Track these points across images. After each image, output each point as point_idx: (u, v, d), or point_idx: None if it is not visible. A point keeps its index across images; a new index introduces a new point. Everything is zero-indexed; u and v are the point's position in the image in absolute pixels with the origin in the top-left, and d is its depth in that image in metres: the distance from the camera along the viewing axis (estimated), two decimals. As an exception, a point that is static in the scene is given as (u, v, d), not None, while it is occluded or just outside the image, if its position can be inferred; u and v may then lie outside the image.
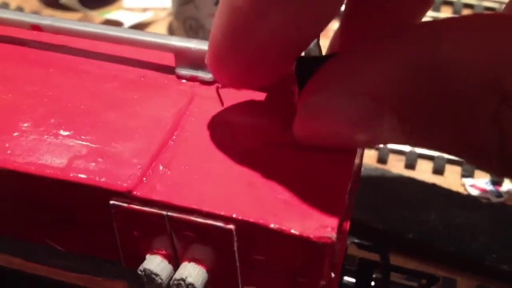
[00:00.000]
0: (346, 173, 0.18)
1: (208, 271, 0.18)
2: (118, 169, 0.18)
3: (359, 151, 0.21)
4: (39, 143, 0.19)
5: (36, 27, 0.23)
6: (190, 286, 0.18)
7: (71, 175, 0.18)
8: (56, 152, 0.19)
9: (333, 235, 0.16)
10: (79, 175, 0.18)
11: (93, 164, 0.18)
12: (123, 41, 0.22)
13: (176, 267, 0.18)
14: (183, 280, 0.18)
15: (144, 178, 0.18)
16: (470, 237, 0.35)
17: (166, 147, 0.19)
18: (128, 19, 0.59)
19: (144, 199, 0.17)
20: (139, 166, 0.18)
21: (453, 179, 0.41)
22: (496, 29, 0.13)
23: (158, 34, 0.22)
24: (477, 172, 0.42)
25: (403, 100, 0.14)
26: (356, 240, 0.27)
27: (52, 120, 0.20)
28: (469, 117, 0.13)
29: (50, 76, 0.22)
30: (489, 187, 0.40)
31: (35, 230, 0.20)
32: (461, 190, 0.40)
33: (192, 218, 0.17)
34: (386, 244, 0.26)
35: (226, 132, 0.20)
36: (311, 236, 0.16)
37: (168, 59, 0.22)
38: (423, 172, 0.42)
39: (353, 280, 0.25)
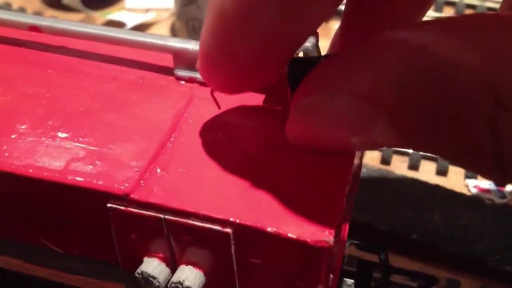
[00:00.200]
0: (344, 176, 0.18)
1: (205, 275, 0.18)
2: (115, 172, 0.18)
3: (357, 152, 0.21)
4: (37, 145, 0.19)
5: (34, 28, 0.23)
6: (187, 290, 0.17)
7: (69, 178, 0.18)
8: (54, 155, 0.19)
9: (331, 239, 0.16)
10: (77, 178, 0.18)
11: (90, 166, 0.18)
12: (122, 42, 0.22)
13: (173, 270, 0.18)
14: (181, 283, 0.18)
15: (141, 181, 0.18)
16: (473, 238, 0.35)
17: (164, 149, 0.19)
18: (131, 19, 0.59)
19: (142, 202, 0.17)
20: (137, 169, 0.18)
21: (456, 180, 0.41)
22: (491, 30, 0.13)
23: (157, 35, 0.22)
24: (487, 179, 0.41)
25: (398, 102, 0.14)
26: (355, 241, 0.27)
27: (50, 121, 0.20)
28: (464, 120, 0.13)
29: (49, 77, 0.22)
30: (493, 188, 0.40)
31: (32, 232, 0.20)
32: (464, 191, 0.40)
33: (190, 221, 0.17)
34: (385, 245, 0.26)
35: (224, 134, 0.19)
36: (308, 240, 0.16)
37: (167, 60, 0.22)
38: (427, 173, 0.41)
39: (352, 281, 0.25)
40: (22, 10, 0.61)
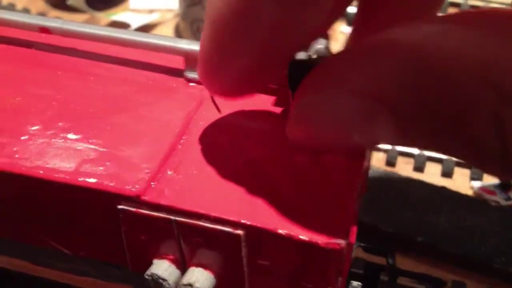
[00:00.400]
0: (354, 178, 0.18)
1: (215, 276, 0.18)
2: (126, 174, 0.18)
3: (367, 154, 0.21)
4: (47, 146, 0.19)
5: (45, 30, 0.23)
6: (197, 291, 0.17)
7: (80, 179, 0.18)
8: (65, 156, 0.19)
9: (342, 241, 0.16)
10: (88, 180, 0.18)
11: (101, 168, 0.18)
12: (132, 44, 0.22)
13: (183, 272, 0.18)
14: (191, 285, 0.18)
15: (152, 183, 0.18)
16: (479, 240, 0.35)
17: (174, 151, 0.19)
18: (135, 20, 0.59)
19: (152, 203, 0.17)
20: (148, 171, 0.18)
21: (462, 182, 0.41)
22: (490, 25, 0.13)
23: (167, 37, 0.22)
24: (486, 175, 0.41)
25: (399, 100, 0.14)
26: (362, 244, 0.26)
27: (61, 123, 0.20)
28: (467, 117, 0.13)
29: (59, 79, 0.22)
30: (498, 190, 0.40)
31: (41, 233, 0.20)
32: (470, 193, 0.40)
33: (200, 223, 0.17)
34: (393, 247, 0.26)
35: (234, 136, 0.19)
36: (320, 242, 0.16)
37: (177, 62, 0.22)
38: (432, 175, 0.41)
39: (359, 283, 0.25)
40: (26, 11, 0.61)
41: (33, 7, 0.62)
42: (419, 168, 0.42)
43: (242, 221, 0.17)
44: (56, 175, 0.18)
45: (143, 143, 0.19)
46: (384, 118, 0.14)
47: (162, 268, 0.18)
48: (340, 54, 0.16)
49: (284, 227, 0.16)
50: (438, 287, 0.25)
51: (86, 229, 0.19)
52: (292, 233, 0.16)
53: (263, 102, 0.21)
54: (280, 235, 0.16)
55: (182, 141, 0.19)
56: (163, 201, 0.17)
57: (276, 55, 0.16)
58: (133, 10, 0.62)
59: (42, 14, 0.61)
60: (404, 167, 0.42)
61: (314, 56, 0.20)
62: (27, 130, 0.20)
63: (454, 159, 0.42)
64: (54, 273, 0.22)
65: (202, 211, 0.17)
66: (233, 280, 0.18)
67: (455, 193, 0.38)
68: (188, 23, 0.55)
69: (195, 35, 0.54)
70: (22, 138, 0.19)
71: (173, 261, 0.18)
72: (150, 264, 0.18)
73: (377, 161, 0.42)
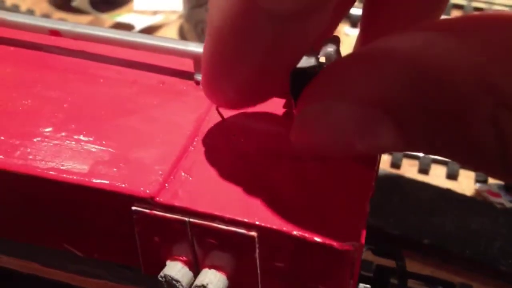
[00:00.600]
0: (367, 180, 0.18)
1: (228, 278, 0.18)
2: (140, 175, 0.18)
3: (378, 157, 0.21)
4: (60, 148, 0.19)
5: (55, 33, 0.23)
6: (211, 293, 0.18)
7: (93, 181, 0.18)
8: (78, 158, 0.19)
9: (356, 243, 0.16)
10: (102, 181, 0.18)
11: (115, 169, 0.18)
12: (142, 47, 0.22)
13: (196, 273, 0.18)
14: (204, 286, 0.18)
15: (166, 184, 0.18)
16: (485, 243, 0.35)
17: (187, 153, 0.19)
18: (139, 22, 0.59)
19: (167, 205, 0.17)
20: (161, 172, 0.18)
21: (467, 184, 0.41)
22: (486, 29, 0.13)
23: (177, 40, 0.22)
24: (493, 178, 0.41)
25: (399, 106, 0.14)
26: (371, 246, 0.27)
27: (73, 125, 0.20)
28: (466, 121, 0.13)
29: (68, 81, 0.22)
30: (503, 192, 0.40)
31: (54, 235, 0.20)
32: (475, 195, 0.40)
33: (214, 224, 0.17)
34: (402, 250, 0.26)
35: (246, 139, 0.19)
36: (334, 244, 0.16)
37: (187, 65, 0.22)
38: (437, 177, 0.41)
39: (369, 286, 0.25)
40: (30, 12, 0.61)
41: (37, 9, 0.62)
42: (424, 170, 0.42)
43: (256, 222, 0.17)
44: (69, 177, 0.18)
45: (155, 145, 0.19)
46: (386, 126, 0.14)
47: (175, 269, 0.18)
48: (340, 62, 0.16)
49: (298, 229, 0.16)
50: (446, 289, 0.25)
51: (99, 231, 0.19)
52: (306, 235, 0.16)
53: (277, 103, 0.21)
54: (295, 236, 0.16)
55: (194, 143, 0.20)
56: (177, 203, 0.17)
57: (277, 66, 0.16)
58: (137, 12, 0.62)
59: (46, 15, 0.61)
60: (409, 169, 0.42)
61: (323, 60, 0.20)
62: (40, 132, 0.20)
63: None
64: (65, 275, 0.22)
65: (216, 212, 0.17)
66: (246, 282, 0.18)
67: (460, 195, 0.38)
68: (192, 25, 0.55)
69: (199, 37, 0.55)
70: (35, 140, 0.19)
71: (186, 263, 0.18)
72: (163, 265, 0.19)
73: (382, 163, 0.42)
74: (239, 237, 0.17)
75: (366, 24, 0.22)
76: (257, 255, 0.17)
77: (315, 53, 0.18)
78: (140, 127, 0.20)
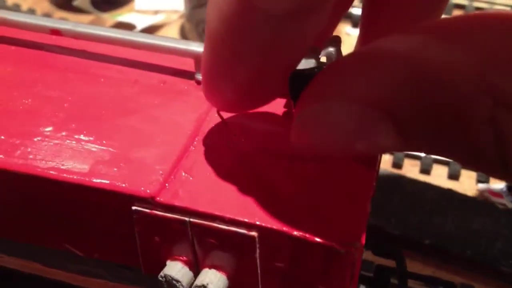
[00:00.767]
0: (368, 180, 0.18)
1: (228, 278, 0.18)
2: (140, 175, 0.18)
3: (379, 157, 0.21)
4: (60, 148, 0.19)
5: (56, 32, 0.23)
6: (211, 293, 0.18)
7: (94, 180, 0.18)
8: (78, 158, 0.19)
9: (357, 243, 0.16)
10: (102, 181, 0.18)
11: (115, 169, 0.18)
12: (144, 46, 0.22)
13: (196, 273, 0.18)
14: (204, 286, 0.18)
15: (166, 184, 0.18)
16: (486, 243, 0.35)
17: (187, 152, 0.19)
18: (140, 21, 0.59)
19: (167, 205, 0.17)
20: (161, 172, 0.18)
21: (468, 184, 0.41)
22: (488, 30, 0.13)
23: (178, 39, 0.22)
24: (493, 178, 0.41)
25: (398, 107, 0.14)
26: (372, 247, 0.26)
27: (73, 125, 0.20)
28: (465, 122, 0.13)
29: (70, 81, 0.22)
30: (505, 192, 0.40)
31: (55, 235, 0.20)
32: (476, 195, 0.40)
33: (215, 224, 0.17)
34: (403, 250, 0.26)
35: (247, 138, 0.19)
36: (335, 244, 0.16)
37: (187, 64, 0.22)
38: (438, 177, 0.41)
39: (369, 287, 0.25)
40: (31, 11, 0.61)
41: (38, 8, 0.62)
42: (425, 170, 0.42)
43: (257, 222, 0.17)
44: (70, 176, 0.18)
45: (156, 145, 0.19)
46: (385, 125, 0.14)
47: (176, 269, 0.18)
48: (339, 62, 0.16)
49: (299, 229, 0.16)
50: (447, 289, 0.25)
51: (99, 231, 0.19)
52: (307, 235, 0.16)
53: (277, 103, 0.21)
54: (295, 237, 0.16)
55: (195, 142, 0.20)
56: (178, 203, 0.17)
57: (275, 67, 0.16)
58: (138, 11, 0.62)
59: (47, 14, 0.61)
60: (411, 169, 0.42)
61: (324, 60, 0.20)
62: (40, 131, 0.20)
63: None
64: (65, 275, 0.22)
65: (216, 212, 0.17)
66: (247, 282, 0.18)
67: (461, 196, 0.38)
68: (193, 25, 0.55)
69: (200, 37, 0.55)
70: (35, 139, 0.19)
71: (186, 263, 0.18)
72: (162, 265, 0.18)
73: (383, 163, 0.42)
74: (240, 237, 0.17)
75: (366, 24, 0.22)
76: (257, 255, 0.17)
77: (315, 54, 0.18)
78: (141, 126, 0.20)
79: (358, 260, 0.19)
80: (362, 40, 0.22)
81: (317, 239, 0.16)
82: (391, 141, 0.14)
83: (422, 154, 0.42)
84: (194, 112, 0.21)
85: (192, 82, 0.22)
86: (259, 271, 0.18)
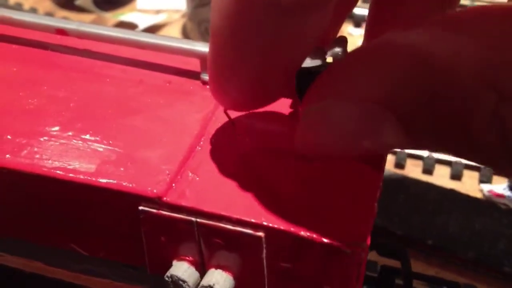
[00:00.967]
0: (375, 181, 0.18)
1: (235, 278, 0.18)
2: (147, 175, 0.18)
3: (385, 157, 0.21)
4: (67, 148, 0.19)
5: (61, 31, 0.23)
6: (217, 293, 0.18)
7: (101, 180, 0.18)
8: (84, 157, 0.19)
9: (364, 244, 0.16)
10: (108, 181, 0.18)
11: (121, 169, 0.18)
12: (149, 46, 0.22)
13: (202, 273, 0.18)
14: (211, 287, 0.18)
15: (173, 184, 0.18)
16: (489, 243, 0.35)
17: (193, 152, 0.19)
18: (142, 21, 0.59)
19: (174, 205, 0.17)
20: (168, 172, 0.18)
21: (471, 184, 0.41)
22: (492, 23, 0.13)
23: (183, 39, 0.22)
24: (495, 178, 0.41)
25: (403, 104, 0.14)
26: (377, 247, 0.27)
27: (79, 124, 0.20)
28: (469, 117, 0.13)
29: (75, 81, 0.22)
30: (507, 192, 0.40)
31: (61, 234, 0.20)
32: (479, 195, 0.40)
33: (221, 224, 0.17)
34: (408, 251, 0.26)
35: (253, 139, 0.19)
36: (342, 245, 0.16)
37: (193, 64, 0.22)
38: (441, 177, 0.41)
39: (374, 287, 0.25)
40: (33, 10, 0.61)
41: (41, 7, 0.62)
42: (428, 170, 0.42)
43: (264, 223, 0.17)
44: (76, 176, 0.18)
45: (162, 145, 0.19)
46: (390, 122, 0.14)
47: (182, 269, 0.18)
48: (343, 60, 0.16)
49: (306, 230, 0.16)
50: (451, 290, 0.25)
51: (105, 231, 0.19)
52: (314, 236, 0.16)
53: (283, 103, 0.21)
54: (302, 237, 0.16)
55: (201, 142, 0.20)
56: (184, 203, 0.17)
57: (279, 65, 0.16)
58: (140, 11, 0.62)
59: (49, 14, 0.61)
60: (413, 169, 0.42)
61: (330, 60, 0.20)
62: (46, 131, 0.20)
63: (463, 161, 0.42)
64: (69, 274, 0.22)
65: (223, 212, 0.17)
66: (253, 282, 0.18)
67: (464, 196, 0.38)
68: (195, 24, 0.55)
69: (202, 36, 0.55)
70: (42, 139, 0.19)
71: (193, 263, 0.18)
72: (168, 266, 0.18)
73: (386, 163, 0.42)
74: (246, 237, 0.17)
75: (371, 24, 0.22)
76: (264, 255, 0.17)
77: (321, 54, 0.18)
78: (147, 126, 0.20)
79: (364, 260, 0.19)
80: (367, 40, 0.22)
81: (324, 240, 0.16)
82: (396, 139, 0.14)
83: (425, 154, 0.42)
84: (200, 112, 0.21)
85: (198, 82, 0.22)
86: (265, 272, 0.18)
